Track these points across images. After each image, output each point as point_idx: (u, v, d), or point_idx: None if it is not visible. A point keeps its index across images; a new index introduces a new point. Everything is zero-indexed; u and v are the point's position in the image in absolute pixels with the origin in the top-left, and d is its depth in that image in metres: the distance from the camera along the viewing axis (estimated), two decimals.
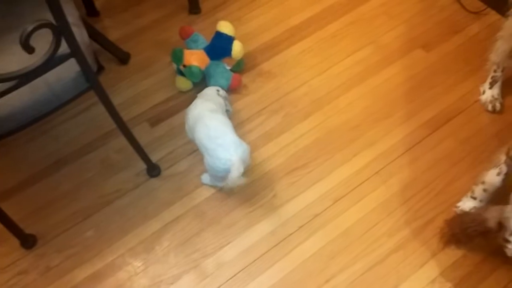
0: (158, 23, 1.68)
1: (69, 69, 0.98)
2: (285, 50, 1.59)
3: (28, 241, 1.29)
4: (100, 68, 1.59)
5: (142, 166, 1.36)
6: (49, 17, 0.86)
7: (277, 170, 1.36)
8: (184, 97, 1.52)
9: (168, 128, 1.47)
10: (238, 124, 1.43)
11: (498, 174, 1.08)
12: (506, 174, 1.07)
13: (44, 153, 1.45)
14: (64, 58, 0.94)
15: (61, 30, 0.88)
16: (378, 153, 1.35)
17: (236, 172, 1.14)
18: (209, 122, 1.21)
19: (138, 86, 1.56)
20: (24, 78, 0.91)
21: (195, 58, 1.47)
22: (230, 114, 1.37)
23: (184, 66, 1.46)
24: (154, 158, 1.40)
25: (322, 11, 1.67)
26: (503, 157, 1.07)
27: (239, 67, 1.54)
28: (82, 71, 1.00)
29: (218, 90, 1.37)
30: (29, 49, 0.85)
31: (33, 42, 0.84)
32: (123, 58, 1.61)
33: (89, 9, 1.72)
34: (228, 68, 1.50)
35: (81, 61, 0.97)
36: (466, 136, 1.37)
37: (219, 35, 1.48)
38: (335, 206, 1.27)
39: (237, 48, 1.46)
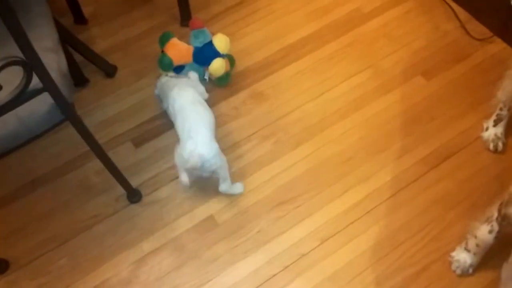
0: (148, 34, 1.60)
1: (42, 102, 0.91)
2: (279, 70, 1.51)
3: (0, 266, 1.23)
4: (85, 81, 1.52)
5: (123, 190, 1.30)
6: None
7: (265, 202, 1.29)
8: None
9: (152, 150, 1.40)
10: (227, 149, 1.36)
11: (490, 232, 1.02)
12: (499, 233, 1.01)
13: (20, 171, 1.38)
14: (36, 93, 0.87)
15: (31, 67, 0.81)
16: (370, 190, 1.29)
17: (197, 164, 1.18)
18: (187, 114, 1.25)
19: (123, 102, 1.49)
20: None
21: (176, 50, 1.42)
22: (206, 97, 1.37)
23: (162, 52, 1.41)
24: (136, 181, 1.33)
25: (320, 29, 1.59)
26: (495, 213, 1.01)
27: (222, 82, 1.47)
28: (56, 104, 0.92)
29: (166, 75, 1.38)
30: None
31: (2, 74, 0.77)
32: (109, 71, 1.53)
33: (76, 17, 1.63)
34: (206, 78, 1.46)
35: (55, 94, 0.90)
36: (465, 177, 1.30)
37: (209, 45, 1.42)
38: (323, 247, 1.21)
39: (215, 65, 1.41)
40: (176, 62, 1.43)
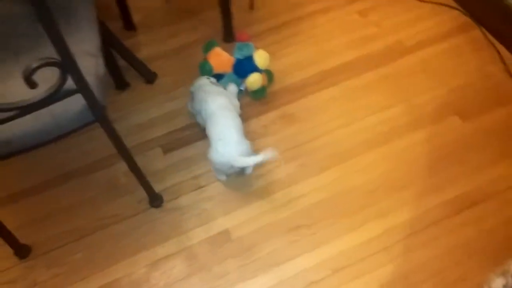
0: (190, 46, 1.66)
1: (75, 101, 0.96)
2: (313, 94, 1.52)
3: (22, 251, 1.29)
4: (126, 85, 1.58)
5: (146, 193, 1.34)
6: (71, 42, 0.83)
7: (281, 224, 1.29)
8: (200, 128, 1.48)
9: (179, 158, 1.43)
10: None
11: (505, 286, 0.97)
12: None
13: (54, 163, 1.45)
14: (69, 93, 0.92)
15: (66, 68, 0.86)
16: (389, 226, 1.26)
17: (236, 164, 1.26)
18: (218, 120, 1.31)
19: (159, 108, 1.54)
20: (26, 109, 0.89)
21: (217, 59, 1.47)
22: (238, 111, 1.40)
23: (205, 58, 1.48)
24: (159, 187, 1.37)
25: (358, 58, 1.59)
26: None
27: (258, 96, 1.51)
28: (88, 105, 0.97)
29: (208, 78, 1.43)
30: (32, 85, 0.83)
31: (40, 72, 0.82)
32: (149, 78, 1.59)
33: (126, 23, 1.71)
34: (242, 89, 1.50)
35: (88, 96, 0.95)
36: (490, 227, 1.25)
37: (250, 59, 1.47)
38: (334, 277, 1.20)
39: (251, 79, 1.46)
40: (216, 69, 1.48)
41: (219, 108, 1.33)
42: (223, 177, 1.37)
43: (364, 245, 1.24)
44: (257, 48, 1.54)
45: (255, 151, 1.41)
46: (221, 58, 1.49)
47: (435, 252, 1.22)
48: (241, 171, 1.36)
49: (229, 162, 1.27)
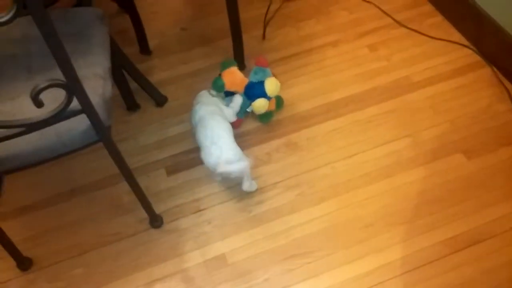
0: (201, 73, 1.70)
1: (80, 121, 1.00)
2: (317, 124, 1.54)
3: (24, 264, 1.32)
4: (136, 107, 1.63)
5: (146, 214, 1.36)
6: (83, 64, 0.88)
7: (277, 251, 1.30)
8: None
9: (182, 181, 1.46)
10: (250, 193, 1.40)
11: None
12: None
13: (59, 179, 1.49)
14: (74, 113, 0.96)
15: (72, 90, 0.90)
16: (385, 262, 1.25)
17: (219, 169, 1.30)
18: (207, 123, 1.37)
19: (166, 131, 1.58)
20: (32, 126, 0.93)
21: (231, 77, 1.52)
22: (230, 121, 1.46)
23: (219, 75, 1.53)
24: (160, 208, 1.40)
25: (365, 91, 1.61)
26: None
27: (264, 119, 1.56)
28: (92, 126, 1.01)
29: (208, 91, 1.50)
30: (39, 104, 0.87)
31: (49, 91, 0.86)
32: (159, 101, 1.64)
33: (142, 47, 1.78)
34: (249, 110, 1.54)
35: (92, 117, 0.99)
36: (490, 267, 1.23)
37: (261, 84, 1.51)
38: None
39: (257, 103, 1.50)
40: (228, 87, 1.53)
41: (208, 113, 1.40)
42: (220, 179, 1.42)
43: (359, 278, 1.23)
44: (275, 75, 1.58)
45: (256, 177, 1.44)
46: (235, 77, 1.54)
47: None
48: (239, 179, 1.37)
49: (225, 168, 1.30)
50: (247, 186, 1.36)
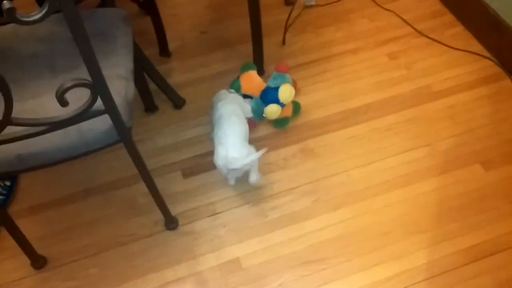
0: (220, 76, 1.71)
1: (103, 121, 1.01)
2: (335, 131, 1.54)
3: (38, 262, 1.33)
4: (154, 108, 1.64)
5: (162, 215, 1.36)
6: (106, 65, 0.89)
7: (292, 257, 1.29)
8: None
9: (198, 183, 1.46)
10: (266, 198, 1.40)
11: None
12: None
13: (78, 178, 1.50)
14: (98, 113, 0.97)
15: (97, 90, 0.91)
16: (402, 269, 1.24)
17: (231, 166, 1.32)
18: (222, 123, 1.40)
19: (184, 133, 1.58)
20: (56, 125, 0.94)
21: (248, 80, 1.55)
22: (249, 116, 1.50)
23: (237, 77, 1.57)
24: (176, 210, 1.40)
25: (384, 99, 1.60)
26: None
27: (278, 125, 1.55)
28: (114, 126, 1.02)
29: (227, 89, 1.53)
30: (64, 103, 0.88)
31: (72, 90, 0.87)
32: (178, 103, 1.64)
33: (162, 49, 1.79)
34: (264, 115, 1.55)
35: (115, 117, 1.00)
36: (507, 278, 1.21)
37: (275, 90, 1.51)
38: None
39: (269, 109, 1.52)
40: (244, 90, 1.55)
41: (227, 113, 1.42)
42: (232, 182, 1.42)
43: (374, 286, 1.22)
44: (295, 81, 1.59)
45: (272, 183, 1.43)
46: (252, 80, 1.56)
47: None
48: (246, 177, 1.38)
49: (226, 165, 1.32)
50: (254, 178, 1.37)
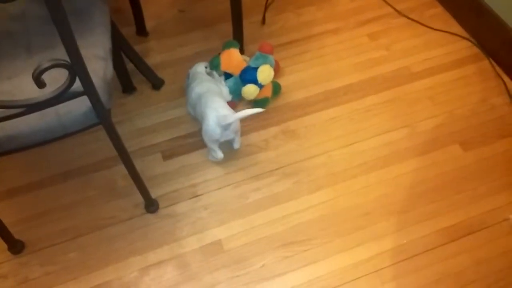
0: (199, 56, 1.68)
1: (81, 103, 0.98)
2: (316, 113, 1.54)
3: (15, 247, 1.30)
4: (133, 89, 1.61)
5: (142, 198, 1.35)
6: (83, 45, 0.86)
7: (274, 239, 1.30)
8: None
9: (178, 165, 1.45)
10: (247, 179, 1.40)
11: None
12: None
13: (55, 161, 1.46)
14: (76, 95, 0.94)
15: (75, 71, 0.88)
16: (383, 249, 1.26)
17: (227, 120, 1.33)
18: (203, 97, 1.40)
19: (163, 115, 1.56)
20: (33, 107, 0.91)
21: (228, 58, 1.53)
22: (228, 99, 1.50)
23: (218, 54, 1.57)
24: (156, 193, 1.38)
25: (364, 80, 1.60)
26: None
27: (258, 105, 1.52)
28: (93, 108, 0.99)
29: (206, 67, 1.53)
30: (41, 84, 0.85)
31: (48, 72, 0.84)
32: (156, 84, 1.61)
33: (139, 28, 1.74)
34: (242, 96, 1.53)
35: (94, 99, 0.97)
36: (484, 257, 1.25)
37: (254, 70, 1.49)
38: None
39: (246, 89, 1.50)
40: (223, 67, 1.54)
41: (205, 91, 1.42)
42: (220, 155, 1.41)
43: (355, 266, 1.24)
44: (278, 62, 1.57)
45: (253, 164, 1.43)
46: (232, 59, 1.53)
47: (427, 279, 1.22)
48: (228, 156, 1.42)
49: (220, 123, 1.33)
50: (238, 143, 1.43)
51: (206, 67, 1.53)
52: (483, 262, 1.24)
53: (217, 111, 1.35)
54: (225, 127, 1.34)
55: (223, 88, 1.50)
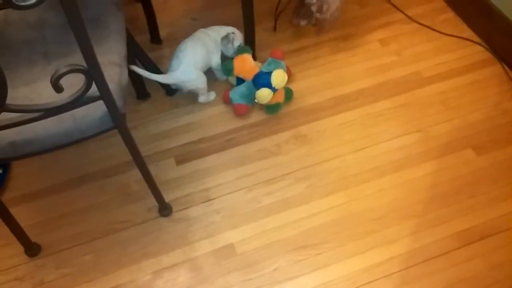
0: None
1: (97, 107, 1.00)
2: (327, 117, 1.54)
3: (32, 249, 1.32)
4: (147, 95, 1.63)
5: (156, 202, 1.37)
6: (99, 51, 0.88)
7: (286, 242, 1.30)
8: (215, 141, 1.51)
9: (191, 170, 1.46)
10: (259, 184, 1.41)
11: None
12: None
13: (71, 165, 1.49)
14: (92, 99, 0.96)
15: (92, 76, 0.90)
16: (395, 254, 1.26)
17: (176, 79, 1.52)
18: (188, 44, 1.56)
19: (176, 120, 1.58)
20: (50, 111, 0.93)
21: (241, 63, 1.56)
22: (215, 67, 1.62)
23: (232, 59, 1.59)
24: (169, 196, 1.40)
25: (376, 85, 1.61)
26: None
27: (270, 111, 1.55)
28: (109, 112, 1.01)
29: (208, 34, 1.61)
30: (59, 89, 0.87)
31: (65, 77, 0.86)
32: (169, 90, 1.63)
33: (153, 36, 1.78)
34: (256, 100, 1.55)
35: (109, 104, 0.99)
36: (498, 262, 1.24)
37: (268, 75, 1.51)
38: None
39: (260, 93, 1.51)
40: (236, 72, 1.56)
41: (196, 37, 1.58)
42: (212, 96, 1.60)
43: (367, 270, 1.24)
44: (289, 68, 1.59)
45: (265, 169, 1.44)
46: (245, 64, 1.56)
47: (441, 284, 1.21)
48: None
49: (176, 82, 1.53)
50: (202, 99, 1.57)
51: (229, 37, 1.60)
52: (497, 266, 1.23)
53: (178, 67, 1.50)
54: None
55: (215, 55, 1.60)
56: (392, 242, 1.28)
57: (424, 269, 1.24)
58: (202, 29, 1.62)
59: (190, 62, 1.51)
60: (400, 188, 1.38)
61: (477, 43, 1.70)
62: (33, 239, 1.32)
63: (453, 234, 1.29)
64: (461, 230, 1.30)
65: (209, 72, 1.60)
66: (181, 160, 1.49)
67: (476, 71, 1.63)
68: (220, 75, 1.64)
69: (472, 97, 1.56)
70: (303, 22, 1.57)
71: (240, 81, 1.57)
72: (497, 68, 1.63)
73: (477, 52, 1.68)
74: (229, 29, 1.62)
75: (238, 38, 1.61)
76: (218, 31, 1.62)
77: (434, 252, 1.26)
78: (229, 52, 1.62)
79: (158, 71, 1.62)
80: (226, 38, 1.60)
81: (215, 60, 1.60)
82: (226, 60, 1.61)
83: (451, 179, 1.39)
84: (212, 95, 1.61)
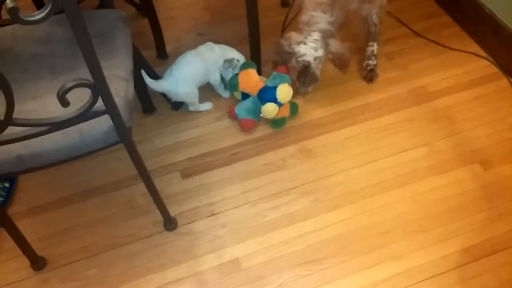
0: None
1: (103, 122, 1.01)
2: (333, 132, 1.54)
3: (38, 263, 1.33)
4: (153, 109, 1.65)
5: (161, 216, 1.36)
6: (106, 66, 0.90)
7: (292, 257, 1.29)
8: (221, 156, 1.52)
9: (197, 184, 1.47)
10: (264, 198, 1.41)
11: None
12: None
13: (77, 179, 1.50)
14: (98, 114, 0.97)
15: (99, 91, 0.91)
16: (402, 269, 1.25)
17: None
18: (185, 57, 1.58)
19: (181, 134, 1.59)
20: (57, 125, 0.94)
21: (246, 78, 1.56)
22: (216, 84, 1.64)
23: (236, 74, 1.59)
24: (174, 210, 1.40)
25: (381, 100, 1.61)
26: None
27: (276, 125, 1.56)
28: (114, 126, 1.02)
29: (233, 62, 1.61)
30: (65, 103, 0.88)
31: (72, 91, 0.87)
32: (175, 105, 1.65)
33: (159, 51, 1.80)
34: (261, 115, 1.55)
35: (115, 118, 1.00)
36: (508, 277, 1.21)
37: (273, 89, 1.51)
38: None
39: (266, 107, 1.51)
40: (241, 88, 1.57)
41: (190, 54, 1.58)
42: (204, 106, 1.62)
43: (374, 285, 1.23)
44: (294, 82, 1.59)
45: (270, 183, 1.44)
46: (250, 79, 1.57)
47: None
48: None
49: (163, 91, 1.56)
50: (192, 108, 1.61)
51: (233, 62, 1.60)
52: (508, 282, 1.21)
53: (168, 78, 1.54)
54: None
55: (214, 74, 1.61)
56: (398, 257, 1.27)
57: (432, 285, 1.22)
58: (210, 43, 1.63)
59: (181, 75, 1.52)
60: (406, 203, 1.37)
61: (483, 57, 1.70)
62: (39, 252, 1.33)
63: (461, 250, 1.27)
64: (470, 245, 1.28)
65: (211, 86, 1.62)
66: (187, 174, 1.49)
67: (482, 85, 1.63)
68: (221, 92, 1.65)
69: (479, 112, 1.56)
70: (310, 88, 1.58)
71: (245, 96, 1.58)
72: (503, 83, 1.63)
73: (483, 66, 1.68)
74: (236, 55, 1.61)
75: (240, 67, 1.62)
76: (225, 51, 1.62)
77: (443, 268, 1.25)
78: (227, 76, 1.61)
79: None
80: (229, 61, 1.59)
81: (214, 78, 1.61)
82: (222, 79, 1.63)
83: (459, 194, 1.38)
84: (206, 106, 1.62)
